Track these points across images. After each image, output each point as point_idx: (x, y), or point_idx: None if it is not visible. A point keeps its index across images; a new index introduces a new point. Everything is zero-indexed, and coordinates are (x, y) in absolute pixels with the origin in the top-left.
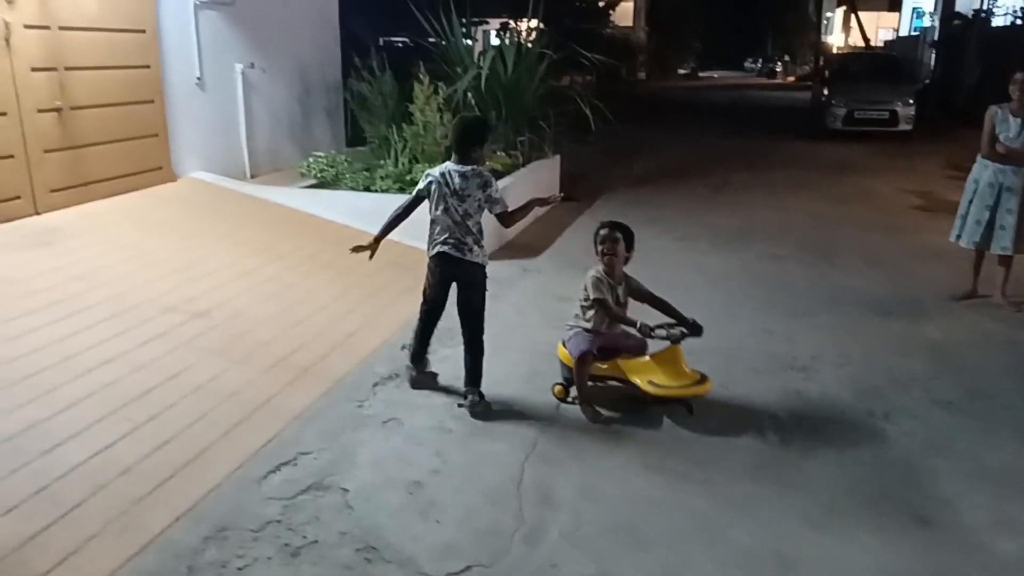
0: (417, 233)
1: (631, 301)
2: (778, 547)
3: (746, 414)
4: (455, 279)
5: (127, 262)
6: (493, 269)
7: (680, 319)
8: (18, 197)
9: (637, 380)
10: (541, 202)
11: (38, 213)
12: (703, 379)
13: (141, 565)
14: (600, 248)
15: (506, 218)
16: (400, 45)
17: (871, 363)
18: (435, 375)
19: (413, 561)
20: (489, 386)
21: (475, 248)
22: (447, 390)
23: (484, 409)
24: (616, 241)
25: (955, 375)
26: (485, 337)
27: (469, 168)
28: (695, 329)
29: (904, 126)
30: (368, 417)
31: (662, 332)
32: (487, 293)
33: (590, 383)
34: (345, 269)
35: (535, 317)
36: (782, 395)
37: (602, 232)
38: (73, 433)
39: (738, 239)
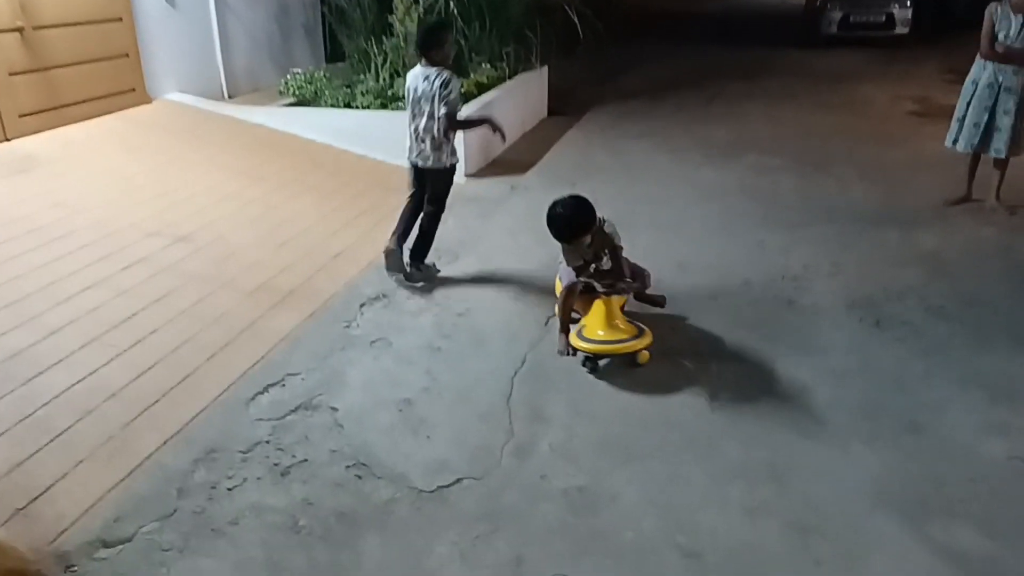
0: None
1: None
2: (770, 458)
3: (737, 326)
4: (425, 179)
5: (108, 187)
6: (480, 187)
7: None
8: None
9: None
10: (493, 127)
11: (7, 139)
12: (640, 333)
13: (132, 488)
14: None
15: (451, 121)
16: None
17: (864, 273)
18: (432, 268)
19: (404, 477)
20: (480, 308)
21: (437, 153)
22: (436, 304)
23: (423, 274)
24: (571, 241)
25: (949, 282)
26: (475, 258)
27: (433, 69)
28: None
29: (901, 29)
30: (356, 337)
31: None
32: (448, 193)
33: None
34: (330, 191)
35: (526, 238)
36: (773, 305)
37: (553, 233)
38: (58, 359)
39: (731, 151)
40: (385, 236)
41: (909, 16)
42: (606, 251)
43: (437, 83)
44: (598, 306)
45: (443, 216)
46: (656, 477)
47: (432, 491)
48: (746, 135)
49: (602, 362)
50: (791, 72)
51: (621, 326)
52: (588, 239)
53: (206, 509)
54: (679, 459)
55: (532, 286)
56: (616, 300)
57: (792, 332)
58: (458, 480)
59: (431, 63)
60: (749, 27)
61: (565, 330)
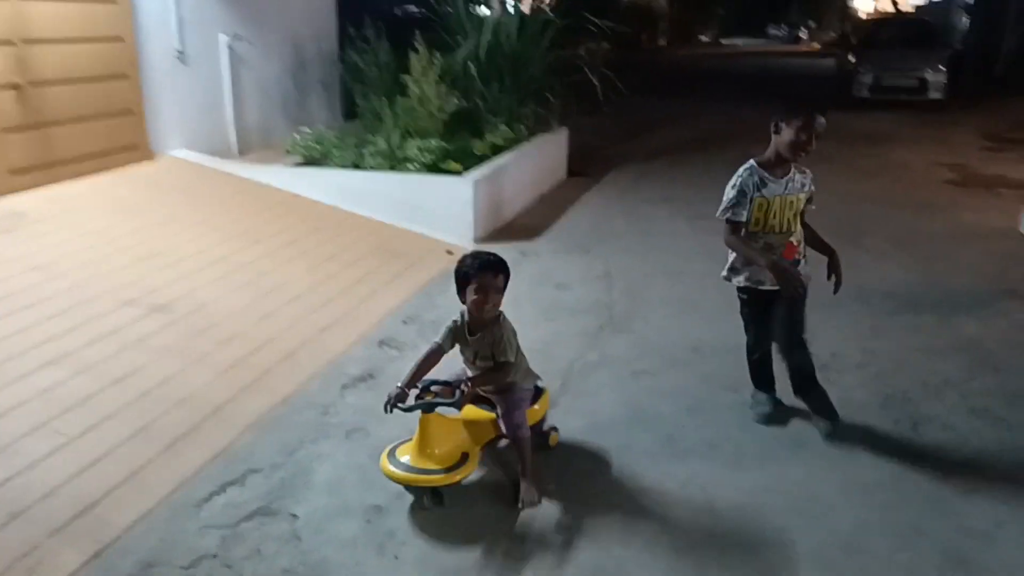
0: (408, 215)
1: None
2: None
3: (753, 424)
4: None
5: (91, 250)
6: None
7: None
8: None
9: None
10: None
11: None
12: (458, 464)
13: None
14: (469, 292)
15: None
16: (400, 14)
17: (898, 363)
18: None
19: None
20: None
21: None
22: None
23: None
24: (495, 275)
25: (993, 377)
26: None
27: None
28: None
29: (934, 94)
30: (332, 427)
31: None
32: None
33: None
34: (327, 256)
35: (529, 309)
36: (798, 400)
37: (468, 270)
38: None
39: None
40: (381, 306)
41: (943, 80)
42: (491, 353)
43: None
44: (421, 423)
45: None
46: None
47: None
48: None
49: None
50: (822, 134)
51: (438, 454)
52: (496, 298)
53: None
54: None
55: (534, 365)
56: (442, 419)
57: (817, 434)
58: None
59: None
60: (781, 87)
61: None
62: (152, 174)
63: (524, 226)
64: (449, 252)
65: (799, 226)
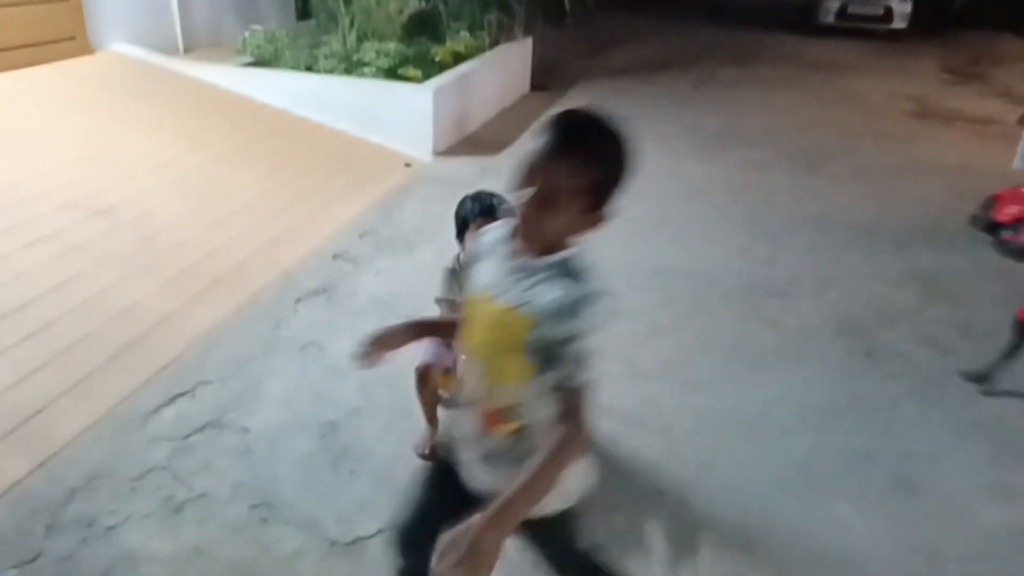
0: (364, 123)
1: None
2: (742, 519)
3: (711, 347)
4: None
5: (23, 148)
6: (449, 167)
7: None
8: None
9: None
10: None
11: None
12: None
13: None
14: (468, 239)
15: None
16: None
17: (854, 291)
18: None
19: (316, 523)
20: (426, 306)
21: None
22: (382, 304)
23: None
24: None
25: (946, 308)
26: (432, 250)
27: None
28: None
29: (898, 23)
30: (284, 340)
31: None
32: None
33: None
34: (278, 163)
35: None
36: (755, 325)
37: (467, 215)
38: None
39: (719, 143)
40: (336, 217)
41: (908, 11)
42: None
43: None
44: None
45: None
46: (610, 534)
47: (348, 543)
48: (736, 125)
49: None
50: (785, 59)
51: None
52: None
53: (75, 554)
54: (639, 513)
55: None
56: None
57: (773, 359)
58: (381, 531)
59: None
60: (743, 10)
61: (432, 419)
62: (91, 69)
63: (485, 140)
64: (407, 165)
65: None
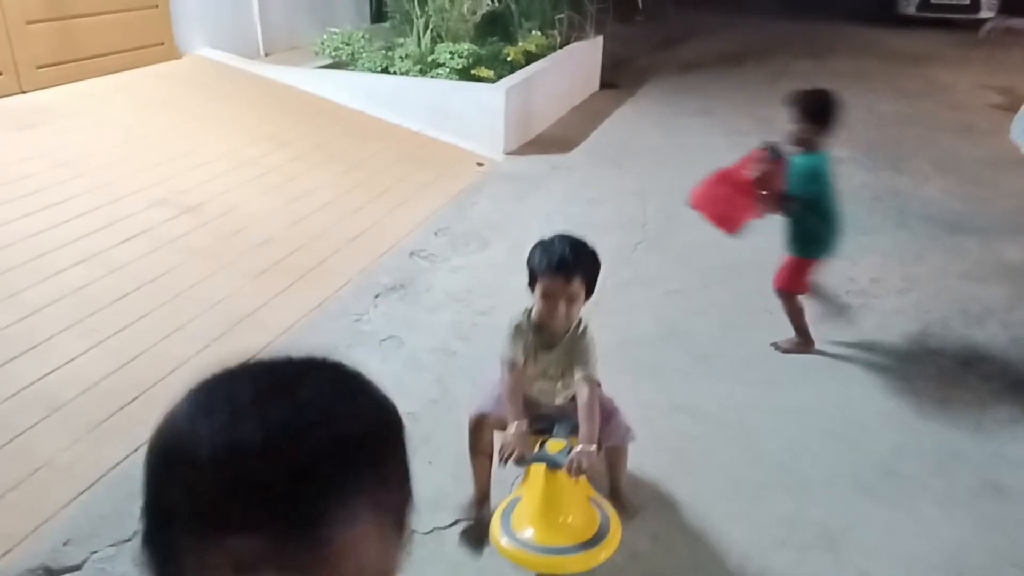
0: (438, 122)
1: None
2: (824, 518)
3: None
4: None
5: (117, 148)
6: (519, 165)
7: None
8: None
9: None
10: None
11: (23, 91)
12: (600, 537)
13: (91, 504)
14: (537, 293)
15: None
16: None
17: (939, 289)
18: None
19: None
20: (505, 306)
21: None
22: (457, 300)
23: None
24: (567, 281)
25: None
26: (506, 246)
27: None
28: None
29: (986, 13)
30: (365, 334)
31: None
32: None
33: None
34: (356, 162)
35: (562, 225)
36: (835, 325)
37: (535, 267)
38: (31, 345)
39: None
40: (412, 215)
41: None
42: (577, 371)
43: None
44: (540, 484)
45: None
46: (686, 535)
47: (426, 532)
48: None
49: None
50: (864, 52)
51: (572, 522)
52: (572, 308)
53: None
54: (719, 511)
55: None
56: (569, 479)
57: (856, 360)
58: (456, 522)
59: None
60: (819, 1)
61: (482, 490)
62: (178, 72)
63: (556, 138)
64: (480, 164)
65: None
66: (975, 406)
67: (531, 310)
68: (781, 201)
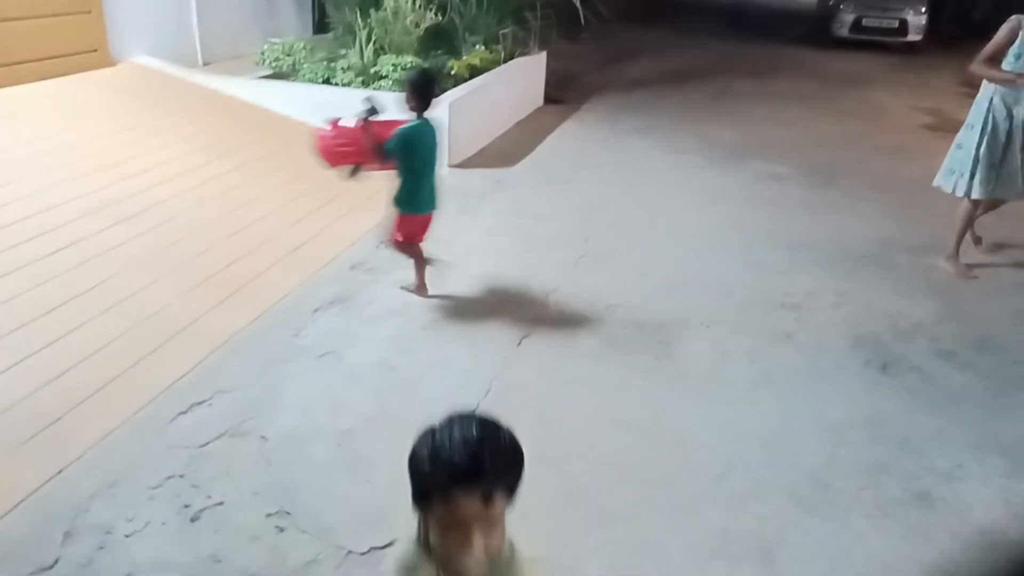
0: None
1: None
2: (758, 529)
3: (728, 361)
4: None
5: (48, 155)
6: (464, 179)
7: None
8: None
9: None
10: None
11: None
12: None
13: (10, 529)
14: (437, 509)
15: None
16: None
17: (870, 304)
18: None
19: (332, 531)
20: (447, 320)
21: None
22: (399, 314)
23: None
24: (487, 497)
25: (962, 322)
26: (449, 260)
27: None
28: None
29: (914, 36)
30: (302, 348)
31: None
32: None
33: None
34: (297, 173)
35: (506, 239)
36: (770, 339)
37: (426, 477)
38: None
39: (735, 155)
40: (354, 227)
41: (923, 23)
42: None
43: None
44: None
45: None
46: (624, 547)
47: (363, 553)
48: (752, 138)
49: None
50: (801, 73)
51: None
52: (500, 531)
53: (93, 561)
54: (654, 525)
55: (507, 298)
56: None
57: (789, 374)
58: (395, 541)
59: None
60: (758, 22)
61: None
62: (113, 80)
63: (500, 152)
64: None
65: None
66: (904, 418)
67: (425, 540)
68: (378, 152)
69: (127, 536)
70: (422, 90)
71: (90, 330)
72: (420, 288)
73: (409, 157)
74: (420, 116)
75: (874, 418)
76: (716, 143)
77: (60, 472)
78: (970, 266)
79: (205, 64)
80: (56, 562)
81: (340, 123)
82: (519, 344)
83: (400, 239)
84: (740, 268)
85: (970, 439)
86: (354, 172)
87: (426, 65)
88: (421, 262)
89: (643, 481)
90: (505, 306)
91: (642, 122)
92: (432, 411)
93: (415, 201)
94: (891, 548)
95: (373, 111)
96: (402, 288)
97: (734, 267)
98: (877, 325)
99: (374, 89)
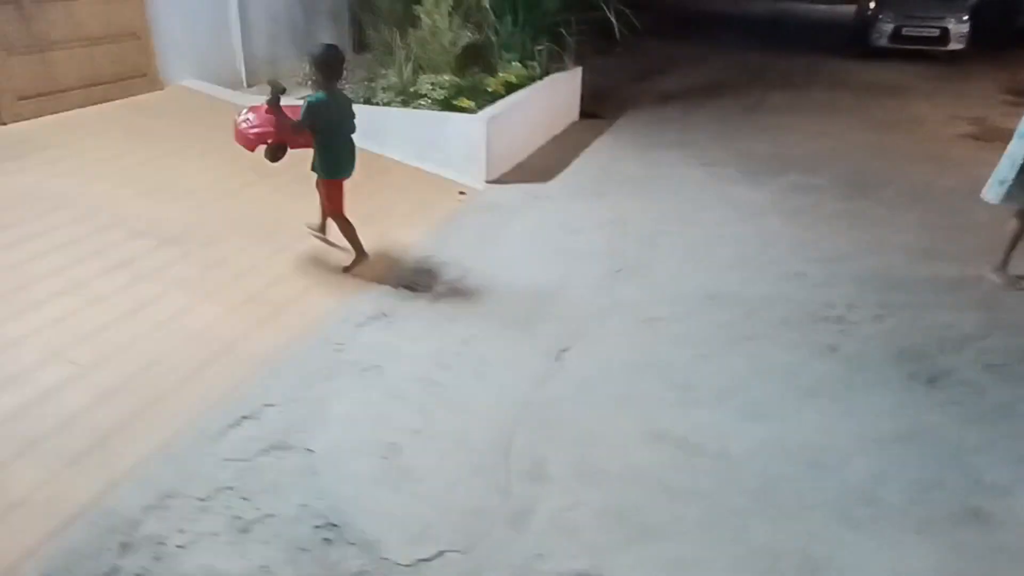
0: (420, 153)
1: None
2: (805, 547)
3: (769, 375)
4: None
5: (99, 179)
6: (499, 194)
7: None
8: None
9: None
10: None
11: (3, 123)
12: None
13: (69, 540)
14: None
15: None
16: None
17: (915, 316)
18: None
19: (378, 544)
20: (485, 334)
21: None
22: (438, 328)
23: None
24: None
25: (1011, 334)
26: (486, 274)
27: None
28: None
29: (955, 45)
30: (346, 364)
31: None
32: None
33: None
34: None
35: (543, 254)
36: (813, 352)
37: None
38: (9, 377)
39: (771, 167)
40: (396, 243)
41: (965, 31)
42: None
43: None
44: None
45: None
46: (664, 564)
47: (408, 565)
48: (788, 151)
49: None
50: (838, 83)
51: None
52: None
53: (148, 571)
54: (698, 540)
55: (545, 312)
56: None
57: (833, 387)
58: (440, 553)
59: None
60: (795, 33)
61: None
62: (161, 103)
63: (536, 168)
64: (461, 193)
65: None
66: (953, 432)
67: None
68: (293, 127)
69: (180, 547)
70: (325, 65)
71: (140, 348)
72: (361, 254)
73: (321, 126)
74: (327, 89)
75: (922, 432)
76: (751, 155)
77: (113, 485)
78: (1020, 277)
79: (249, 86)
80: (113, 572)
81: (253, 108)
82: (556, 358)
83: (341, 207)
84: (779, 280)
85: (1022, 453)
86: (275, 154)
87: (331, 45)
88: (352, 228)
89: (683, 497)
90: (543, 320)
91: (676, 135)
92: (472, 425)
93: (336, 166)
94: (942, 565)
95: (277, 94)
96: (344, 269)
97: (773, 279)
98: (922, 337)
99: (413, 107)
